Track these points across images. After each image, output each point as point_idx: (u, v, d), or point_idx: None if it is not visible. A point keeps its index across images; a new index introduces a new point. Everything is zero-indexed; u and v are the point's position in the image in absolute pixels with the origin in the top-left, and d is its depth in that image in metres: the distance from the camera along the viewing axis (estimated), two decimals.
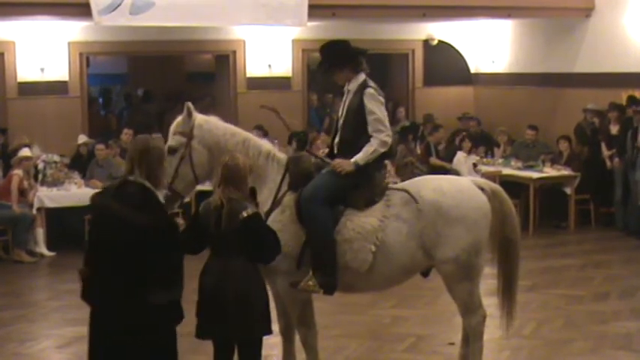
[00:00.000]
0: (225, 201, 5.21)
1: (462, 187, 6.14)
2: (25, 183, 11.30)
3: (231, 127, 6.09)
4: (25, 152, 11.49)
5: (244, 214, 5.16)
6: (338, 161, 5.96)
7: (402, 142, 13.27)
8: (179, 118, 5.97)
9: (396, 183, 6.97)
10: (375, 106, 5.99)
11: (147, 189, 4.78)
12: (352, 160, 5.93)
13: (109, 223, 4.78)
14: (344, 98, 6.19)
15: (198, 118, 5.95)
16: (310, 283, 5.86)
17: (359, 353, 7.28)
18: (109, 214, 4.77)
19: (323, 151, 6.70)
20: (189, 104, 5.96)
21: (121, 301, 4.70)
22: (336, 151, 6.18)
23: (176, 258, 4.82)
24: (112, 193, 4.88)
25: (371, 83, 6.08)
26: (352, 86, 6.10)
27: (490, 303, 6.41)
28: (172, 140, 5.91)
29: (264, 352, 7.23)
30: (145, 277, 4.66)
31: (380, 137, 5.97)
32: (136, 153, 4.93)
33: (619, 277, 9.85)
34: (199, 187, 6.31)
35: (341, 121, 6.10)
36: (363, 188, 6.02)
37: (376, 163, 6.14)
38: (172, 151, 5.86)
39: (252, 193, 5.46)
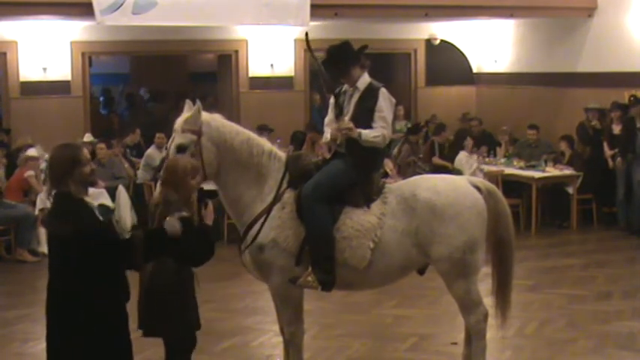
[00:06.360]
0: (161, 202, 5.13)
1: (456, 186, 6.16)
2: (34, 182, 11.37)
3: (234, 125, 6.10)
4: (30, 152, 11.56)
5: (175, 216, 4.92)
6: (348, 124, 5.98)
7: (407, 142, 13.31)
8: (186, 115, 5.88)
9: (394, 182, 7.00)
10: (386, 106, 6.09)
11: (69, 198, 4.57)
12: (358, 130, 5.97)
13: (48, 238, 4.82)
14: (348, 95, 6.20)
15: (205, 115, 5.93)
16: (309, 279, 5.90)
17: (361, 353, 7.28)
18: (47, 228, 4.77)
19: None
20: (198, 101, 5.93)
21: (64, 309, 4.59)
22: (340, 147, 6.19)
23: (114, 264, 4.62)
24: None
25: (380, 84, 6.17)
26: (360, 84, 6.14)
27: (492, 303, 6.41)
28: (182, 138, 5.80)
29: (266, 351, 7.29)
30: (85, 288, 4.51)
31: (383, 131, 6.04)
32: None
33: (621, 277, 9.83)
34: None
35: (348, 117, 6.10)
36: (362, 186, 6.06)
37: (375, 163, 6.20)
38: (182, 148, 5.78)
39: (201, 194, 5.37)
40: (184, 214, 5.02)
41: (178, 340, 5.37)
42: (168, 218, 4.80)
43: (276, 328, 6.52)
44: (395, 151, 13.14)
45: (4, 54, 13.19)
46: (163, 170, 5.33)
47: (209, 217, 5.15)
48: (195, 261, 5.17)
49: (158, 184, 5.36)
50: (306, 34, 6.58)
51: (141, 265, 4.92)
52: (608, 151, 12.59)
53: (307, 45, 6.47)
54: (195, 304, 5.41)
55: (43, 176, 11.70)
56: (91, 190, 4.96)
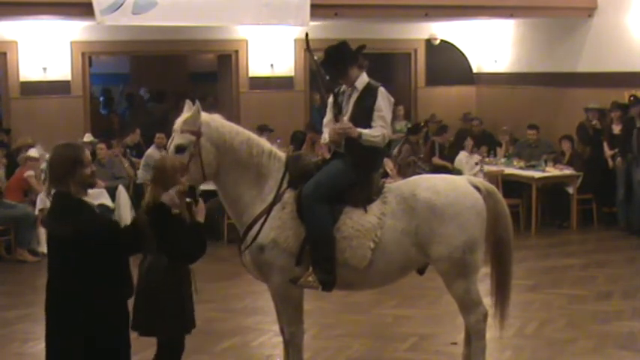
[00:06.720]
0: (152, 201, 5.16)
1: (456, 186, 6.17)
2: (34, 182, 11.39)
3: (234, 126, 6.09)
4: (31, 152, 11.58)
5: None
6: (347, 123, 5.99)
7: (407, 142, 13.33)
8: (185, 116, 5.87)
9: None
10: (385, 105, 6.09)
11: (68, 197, 4.61)
12: (358, 129, 5.98)
13: (48, 238, 4.85)
14: (347, 95, 6.20)
15: (204, 115, 5.93)
16: (310, 279, 5.91)
17: (361, 353, 7.28)
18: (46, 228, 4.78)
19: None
20: (197, 102, 5.93)
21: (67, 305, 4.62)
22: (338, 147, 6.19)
23: (117, 260, 4.67)
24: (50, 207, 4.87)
25: (378, 83, 6.17)
26: (359, 84, 6.14)
27: (491, 303, 6.41)
28: (181, 138, 5.79)
29: (266, 351, 7.29)
30: (85, 288, 4.55)
31: (383, 131, 6.05)
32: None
33: (621, 277, 9.83)
34: (203, 187, 6.25)
35: (347, 117, 6.10)
36: (362, 187, 6.06)
37: (375, 163, 6.20)
38: (181, 149, 5.76)
39: (192, 192, 5.43)
40: (175, 211, 5.07)
41: (173, 340, 5.36)
42: (164, 193, 4.85)
43: (276, 328, 6.52)
44: (395, 151, 13.15)
45: (4, 54, 13.19)
46: (153, 170, 5.36)
47: (200, 215, 5.21)
48: (187, 258, 5.22)
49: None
50: (306, 34, 6.58)
51: (151, 246, 4.91)
52: (608, 151, 12.60)
53: (307, 45, 6.47)
54: (192, 304, 5.40)
55: (43, 176, 11.71)
56: (91, 190, 4.97)
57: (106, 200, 11.38)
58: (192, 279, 5.39)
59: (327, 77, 6.35)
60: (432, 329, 7.84)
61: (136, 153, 13.56)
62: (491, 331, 6.41)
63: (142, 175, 12.34)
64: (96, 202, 10.04)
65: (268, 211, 5.92)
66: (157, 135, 12.61)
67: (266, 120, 13.48)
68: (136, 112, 19.05)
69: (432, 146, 13.79)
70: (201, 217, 5.22)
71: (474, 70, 16.52)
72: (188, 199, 5.31)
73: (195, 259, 5.22)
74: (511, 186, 12.39)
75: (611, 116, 12.68)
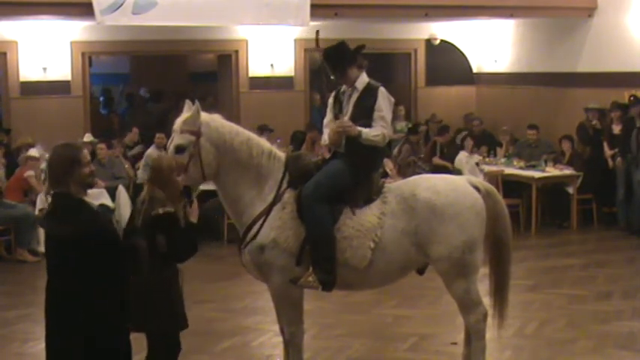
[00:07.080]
0: (147, 199, 5.19)
1: (456, 186, 6.17)
2: (34, 182, 11.39)
3: (233, 126, 6.10)
4: (31, 152, 11.58)
5: (159, 210, 5.06)
6: (347, 122, 5.99)
7: (407, 142, 13.34)
8: (185, 116, 5.88)
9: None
10: (385, 105, 6.09)
11: (68, 198, 4.62)
12: (358, 128, 5.98)
13: (46, 238, 4.86)
14: (347, 95, 6.20)
15: (204, 115, 5.93)
16: (310, 279, 5.92)
17: (361, 353, 7.28)
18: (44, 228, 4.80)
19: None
20: (197, 102, 5.93)
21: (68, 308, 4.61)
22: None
23: (117, 260, 4.69)
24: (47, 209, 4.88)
25: (378, 83, 6.17)
26: (359, 84, 6.14)
27: (490, 303, 6.41)
28: (181, 138, 5.80)
29: (266, 351, 7.29)
30: (84, 288, 4.56)
31: (383, 130, 6.05)
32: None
33: (621, 277, 9.83)
34: (203, 187, 6.25)
35: (347, 117, 6.11)
36: (362, 186, 6.07)
37: (375, 163, 6.21)
38: (181, 149, 5.77)
39: (187, 191, 5.46)
40: (168, 209, 5.09)
41: (166, 337, 5.34)
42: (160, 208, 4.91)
43: (276, 328, 6.52)
44: (395, 151, 13.16)
45: (4, 54, 13.19)
46: (150, 170, 5.37)
47: (194, 215, 5.25)
48: (179, 257, 5.23)
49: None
50: (317, 32, 6.57)
51: (145, 270, 4.91)
52: (608, 151, 12.60)
53: (316, 43, 6.48)
54: (182, 302, 5.38)
55: (43, 176, 11.71)
56: (90, 190, 4.97)
57: (106, 200, 11.37)
58: (181, 277, 5.38)
59: (332, 77, 6.35)
60: (432, 329, 7.84)
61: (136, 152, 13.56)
62: (491, 331, 6.41)
63: (142, 175, 12.35)
64: (96, 202, 10.05)
65: (268, 211, 5.93)
66: (157, 135, 12.61)
67: (266, 120, 13.48)
68: (135, 112, 19.05)
69: (433, 146, 13.80)
70: (194, 218, 5.25)
71: (474, 70, 16.52)
72: (186, 200, 5.32)
73: (185, 259, 5.23)
74: (511, 186, 12.39)
75: (611, 116, 12.68)
